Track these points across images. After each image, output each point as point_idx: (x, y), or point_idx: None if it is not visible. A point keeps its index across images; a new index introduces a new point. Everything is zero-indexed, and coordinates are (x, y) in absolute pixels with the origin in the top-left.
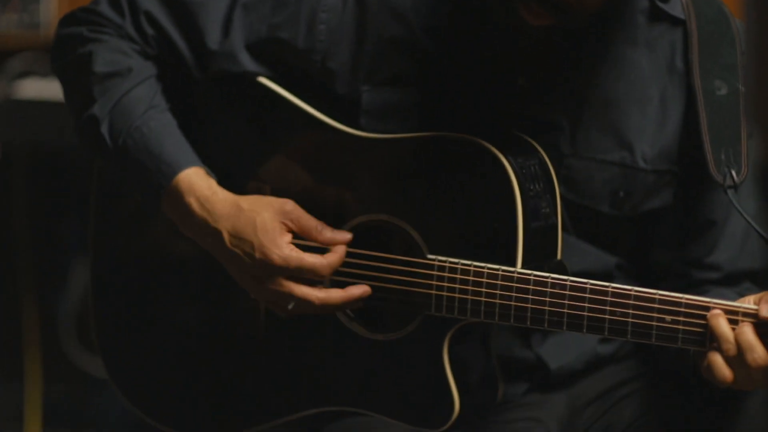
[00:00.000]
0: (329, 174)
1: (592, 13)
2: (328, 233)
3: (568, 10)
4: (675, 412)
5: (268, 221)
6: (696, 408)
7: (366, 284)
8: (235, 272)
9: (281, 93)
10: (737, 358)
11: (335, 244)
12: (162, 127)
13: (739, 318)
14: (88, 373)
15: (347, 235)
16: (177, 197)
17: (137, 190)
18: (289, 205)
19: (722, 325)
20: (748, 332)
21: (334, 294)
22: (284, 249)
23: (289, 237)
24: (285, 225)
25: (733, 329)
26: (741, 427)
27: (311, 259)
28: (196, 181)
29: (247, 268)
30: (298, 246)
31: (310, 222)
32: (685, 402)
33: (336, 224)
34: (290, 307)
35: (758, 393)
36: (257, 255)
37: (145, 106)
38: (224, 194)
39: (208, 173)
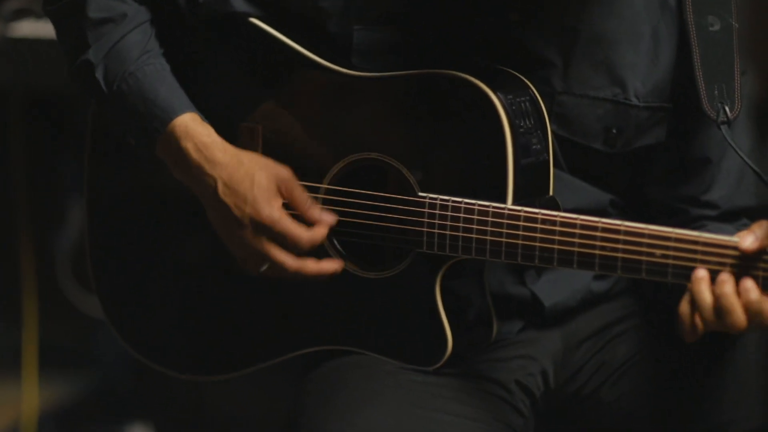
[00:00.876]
0: (321, 113)
1: None
2: (316, 210)
3: None
4: (669, 349)
5: (264, 179)
6: (690, 346)
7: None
8: (219, 222)
9: (272, 33)
10: (714, 322)
11: (320, 222)
12: (156, 73)
13: (729, 252)
14: (85, 313)
15: (333, 217)
16: (172, 142)
17: (131, 135)
18: (285, 172)
19: (704, 292)
20: (729, 294)
21: (309, 265)
22: (275, 210)
23: (281, 201)
24: (279, 189)
25: (718, 271)
26: (735, 364)
27: (297, 229)
28: (194, 126)
29: (233, 220)
30: None
31: (302, 194)
32: (680, 340)
33: (328, 163)
34: (263, 268)
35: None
36: (248, 209)
37: (140, 51)
38: (224, 144)
39: (203, 119)
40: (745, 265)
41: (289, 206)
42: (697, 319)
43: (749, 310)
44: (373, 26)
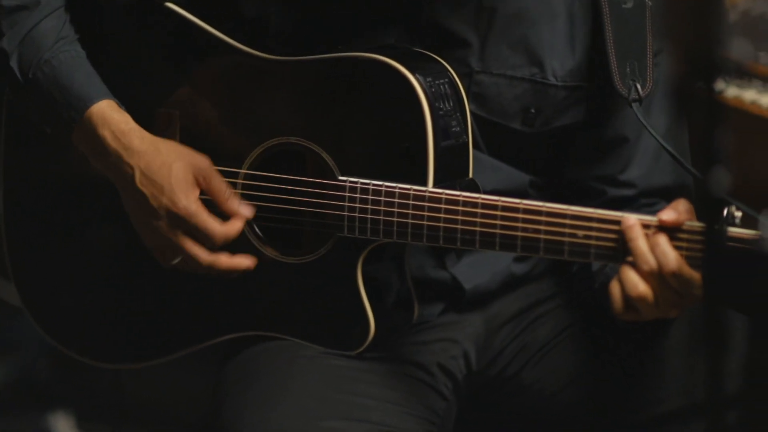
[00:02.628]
0: (238, 98)
1: None
2: (234, 202)
3: None
4: (590, 330)
5: (182, 170)
6: (611, 327)
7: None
8: (134, 211)
9: (189, 18)
10: (654, 272)
11: (237, 215)
12: (72, 59)
13: (651, 232)
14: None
15: (250, 210)
16: (89, 130)
17: (47, 123)
18: (204, 162)
19: (639, 238)
20: (662, 242)
21: (222, 260)
22: (192, 203)
23: (197, 192)
24: (196, 180)
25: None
26: (657, 344)
27: (212, 223)
28: (111, 114)
29: (149, 210)
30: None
31: (220, 185)
32: (600, 322)
33: (247, 148)
34: (175, 261)
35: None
36: (164, 200)
37: (54, 38)
38: (141, 132)
39: (120, 106)
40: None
41: (207, 196)
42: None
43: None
44: (288, 9)
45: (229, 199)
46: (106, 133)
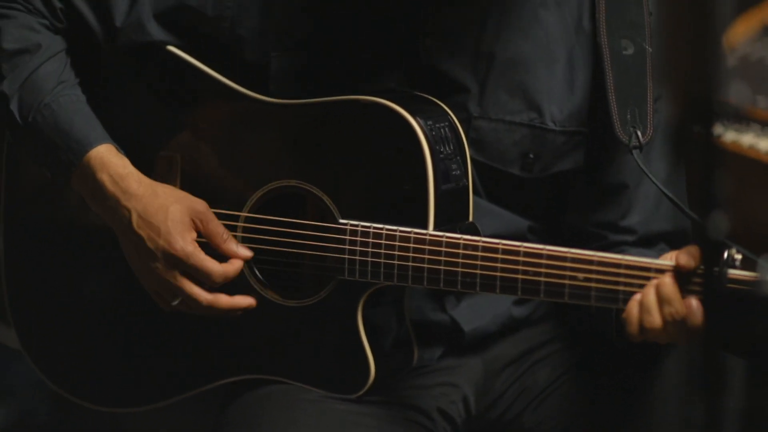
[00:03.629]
0: (239, 141)
1: None
2: (232, 244)
3: None
4: (589, 374)
5: (179, 213)
6: (611, 371)
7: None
8: (132, 254)
9: (190, 61)
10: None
11: (235, 257)
12: (71, 104)
13: (652, 275)
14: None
15: (248, 252)
16: (88, 174)
17: (47, 167)
18: (201, 205)
19: (649, 295)
20: (668, 284)
21: (222, 299)
22: (188, 244)
23: (194, 235)
24: (194, 223)
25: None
26: (655, 390)
27: (210, 263)
28: (110, 158)
29: (147, 252)
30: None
31: (217, 228)
32: (600, 365)
33: (247, 191)
34: (175, 303)
35: (673, 353)
36: (161, 242)
37: (54, 81)
38: (139, 176)
39: (119, 150)
40: (680, 285)
41: (205, 240)
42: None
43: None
44: (290, 53)
45: (227, 241)
46: (104, 177)
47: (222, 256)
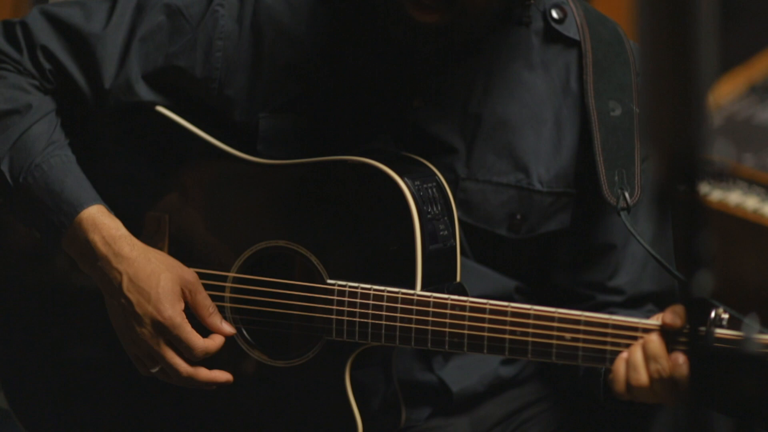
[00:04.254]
0: (228, 201)
1: (481, 10)
2: (217, 319)
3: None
4: None
5: (170, 281)
6: (599, 430)
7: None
8: (117, 317)
9: (178, 121)
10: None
11: (219, 332)
12: (62, 165)
13: (639, 334)
14: None
15: (231, 329)
16: (79, 235)
17: (37, 227)
18: (191, 275)
19: (636, 353)
20: (654, 341)
21: (201, 372)
22: (177, 314)
23: (183, 305)
24: (183, 293)
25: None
26: None
27: (194, 336)
28: (102, 219)
29: (133, 316)
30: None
31: (205, 300)
32: (588, 425)
33: (236, 251)
34: (154, 370)
35: (661, 414)
36: (150, 308)
37: (45, 142)
38: (132, 239)
39: (109, 211)
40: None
41: (191, 310)
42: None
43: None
44: (278, 114)
45: (212, 315)
46: (96, 238)
47: (206, 329)
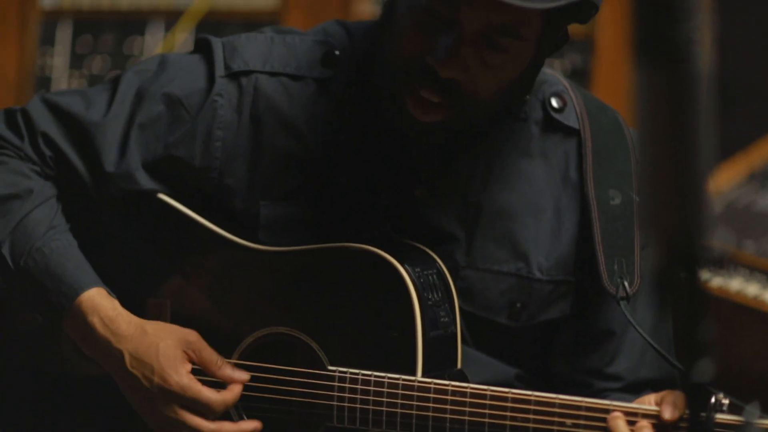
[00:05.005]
0: (229, 288)
1: (482, 110)
2: (228, 370)
3: (458, 98)
4: None
5: (170, 348)
6: None
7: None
8: (131, 394)
9: (180, 209)
10: None
11: (233, 381)
12: (63, 249)
13: (639, 419)
14: None
15: (245, 375)
16: (79, 318)
17: (38, 310)
18: (192, 335)
19: (620, 427)
20: (653, 427)
21: (226, 426)
22: (183, 377)
23: (189, 366)
24: (186, 354)
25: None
26: None
27: (207, 392)
28: (100, 301)
29: (144, 391)
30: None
31: (211, 356)
32: None
33: (237, 338)
34: None
35: None
36: (156, 379)
37: (46, 227)
38: (129, 316)
39: (110, 293)
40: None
41: (199, 367)
42: None
43: None
44: (278, 202)
45: (222, 367)
46: (95, 321)
47: (221, 384)
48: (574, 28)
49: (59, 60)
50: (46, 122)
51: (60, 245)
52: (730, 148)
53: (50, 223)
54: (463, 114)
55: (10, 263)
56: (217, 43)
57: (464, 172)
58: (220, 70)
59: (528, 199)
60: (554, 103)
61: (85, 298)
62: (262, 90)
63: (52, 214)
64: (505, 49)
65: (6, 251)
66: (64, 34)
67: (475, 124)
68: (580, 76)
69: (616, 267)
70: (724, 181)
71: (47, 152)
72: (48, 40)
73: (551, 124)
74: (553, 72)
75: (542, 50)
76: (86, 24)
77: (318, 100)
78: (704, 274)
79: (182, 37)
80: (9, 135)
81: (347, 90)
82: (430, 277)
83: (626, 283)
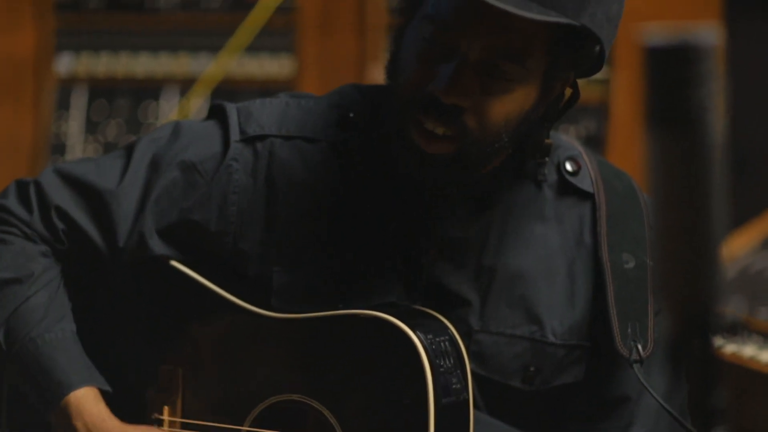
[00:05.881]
0: (242, 355)
1: (489, 144)
2: None
3: (463, 129)
4: None
5: None
6: None
7: None
8: None
9: (192, 276)
10: None
11: None
12: (56, 341)
13: None
14: None
15: None
16: (65, 417)
17: (28, 397)
18: None
19: None
20: None
21: None
22: None
23: None
24: None
25: None
26: None
27: None
28: (85, 405)
29: None
30: None
31: None
32: None
33: (249, 405)
34: None
35: None
36: None
37: (42, 315)
38: (113, 422)
39: (100, 392)
40: None
41: None
42: None
43: None
44: (291, 267)
45: None
46: (79, 425)
47: None
48: (589, 94)
49: (74, 126)
50: (59, 194)
51: (54, 337)
52: (743, 214)
53: (47, 310)
54: (470, 147)
55: (5, 348)
56: (231, 109)
57: (478, 236)
58: (235, 134)
59: (542, 262)
60: (569, 166)
61: (72, 399)
62: (277, 154)
63: (50, 299)
64: (507, 76)
65: (1, 336)
66: (79, 100)
67: (483, 162)
68: (595, 142)
69: (629, 330)
70: (738, 247)
71: (60, 225)
72: (63, 105)
73: (566, 188)
74: (567, 137)
75: (548, 89)
76: (101, 90)
77: (332, 164)
78: (718, 341)
79: (197, 103)
80: (18, 210)
81: (361, 152)
82: (442, 344)
83: (640, 346)
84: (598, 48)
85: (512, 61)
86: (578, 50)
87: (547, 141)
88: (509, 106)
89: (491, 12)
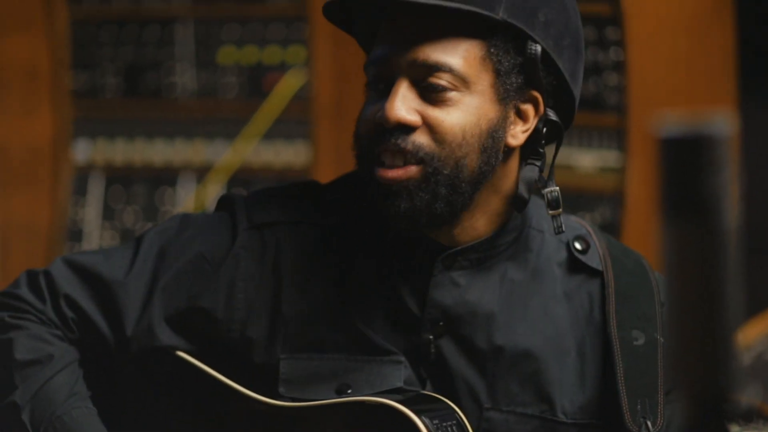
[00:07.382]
0: None
1: (453, 165)
2: None
3: (420, 150)
4: None
5: None
6: None
7: None
8: None
9: (199, 366)
10: None
11: None
12: (83, 417)
13: None
14: None
15: None
16: None
17: None
18: None
19: None
20: None
21: None
22: None
23: None
24: None
25: None
26: None
27: None
28: None
29: None
30: None
31: None
32: None
33: None
34: None
35: None
36: None
37: (66, 394)
38: None
39: None
40: None
41: None
42: None
43: None
44: (298, 355)
45: None
46: None
47: None
48: (604, 182)
49: (91, 212)
50: (68, 284)
51: (81, 414)
52: (757, 302)
53: (71, 389)
54: (435, 165)
55: (30, 430)
56: (238, 198)
57: (486, 316)
58: (242, 223)
59: (552, 341)
60: (578, 245)
61: None
62: (284, 241)
63: (73, 380)
64: (442, 85)
65: (26, 418)
66: (96, 187)
67: (454, 180)
68: (611, 229)
69: (639, 407)
70: (753, 335)
71: (69, 314)
72: (80, 192)
73: (575, 266)
74: (577, 219)
75: (505, 103)
76: (118, 177)
77: (336, 248)
78: (733, 428)
79: (214, 190)
80: (31, 298)
81: (360, 233)
82: (449, 429)
83: (649, 423)
84: (539, 48)
85: (440, 69)
86: (519, 54)
87: (546, 190)
88: (461, 117)
89: (409, 23)
